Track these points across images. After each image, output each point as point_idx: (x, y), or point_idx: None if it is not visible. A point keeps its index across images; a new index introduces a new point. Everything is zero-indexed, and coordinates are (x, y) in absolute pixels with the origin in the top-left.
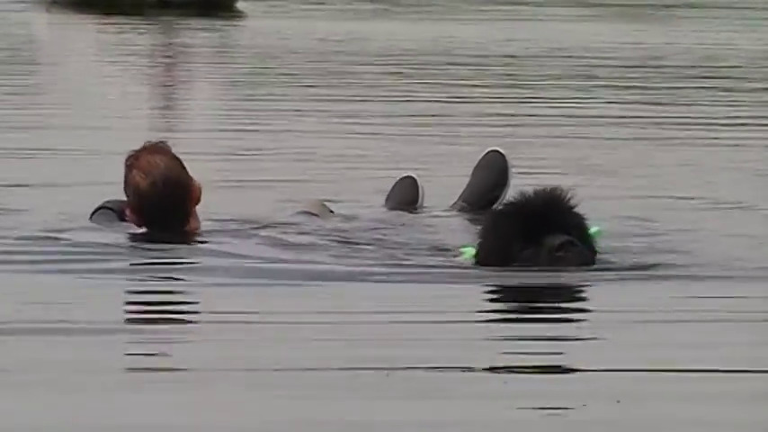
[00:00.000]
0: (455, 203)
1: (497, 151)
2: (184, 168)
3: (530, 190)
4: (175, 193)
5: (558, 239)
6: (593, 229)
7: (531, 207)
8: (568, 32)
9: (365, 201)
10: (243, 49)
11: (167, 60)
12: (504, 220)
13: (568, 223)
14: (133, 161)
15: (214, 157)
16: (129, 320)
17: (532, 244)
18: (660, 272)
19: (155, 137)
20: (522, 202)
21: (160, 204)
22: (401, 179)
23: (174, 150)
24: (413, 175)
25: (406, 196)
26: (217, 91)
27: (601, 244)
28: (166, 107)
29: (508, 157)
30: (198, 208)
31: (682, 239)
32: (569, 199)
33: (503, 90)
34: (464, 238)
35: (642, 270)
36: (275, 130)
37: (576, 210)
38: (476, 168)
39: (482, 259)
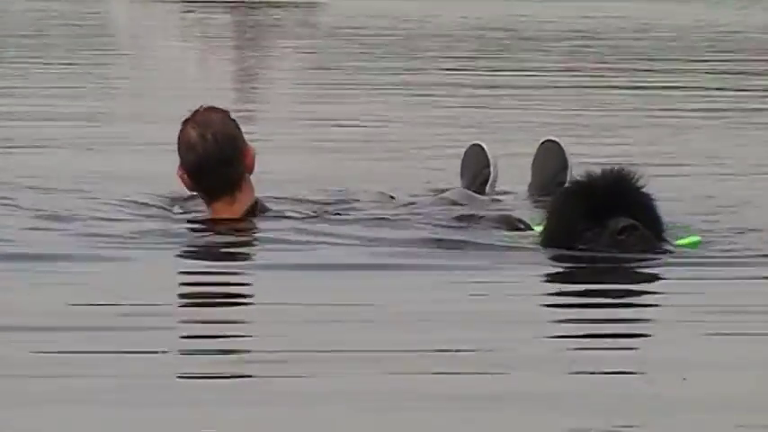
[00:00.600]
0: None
1: (551, 140)
2: (240, 131)
3: (597, 170)
4: (225, 150)
5: (621, 222)
6: (691, 239)
7: (597, 187)
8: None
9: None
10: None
11: (246, 39)
12: (569, 200)
13: (635, 205)
14: (189, 117)
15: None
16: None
17: (596, 225)
18: (735, 257)
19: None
20: (588, 182)
21: (209, 160)
22: (470, 147)
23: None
24: (480, 143)
25: (477, 164)
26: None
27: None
28: (245, 82)
29: (563, 143)
30: (253, 178)
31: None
32: (637, 180)
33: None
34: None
35: (717, 258)
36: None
37: (643, 191)
38: (534, 161)
39: (546, 239)
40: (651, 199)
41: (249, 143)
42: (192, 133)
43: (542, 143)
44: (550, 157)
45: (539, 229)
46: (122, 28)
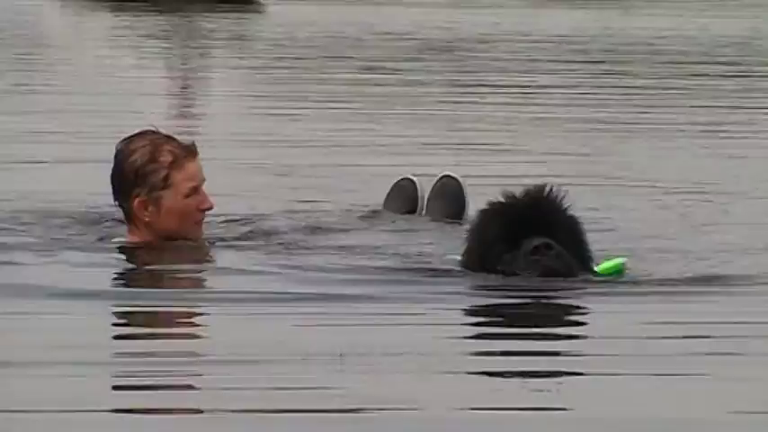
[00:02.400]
0: None
1: (450, 176)
2: (141, 175)
3: (517, 189)
4: (113, 179)
5: (534, 241)
6: (615, 262)
7: (515, 207)
8: None
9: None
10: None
11: (184, 49)
12: (487, 221)
13: (555, 226)
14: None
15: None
16: None
17: (513, 247)
18: (652, 287)
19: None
20: (506, 202)
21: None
22: (399, 182)
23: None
24: (411, 177)
25: (403, 203)
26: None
27: (625, 275)
28: (184, 94)
29: (462, 181)
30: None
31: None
32: (560, 199)
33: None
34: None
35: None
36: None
37: (566, 211)
38: (430, 199)
39: (465, 262)
40: (574, 219)
41: (142, 195)
42: (116, 146)
43: (440, 179)
44: (448, 199)
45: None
46: (55, 36)
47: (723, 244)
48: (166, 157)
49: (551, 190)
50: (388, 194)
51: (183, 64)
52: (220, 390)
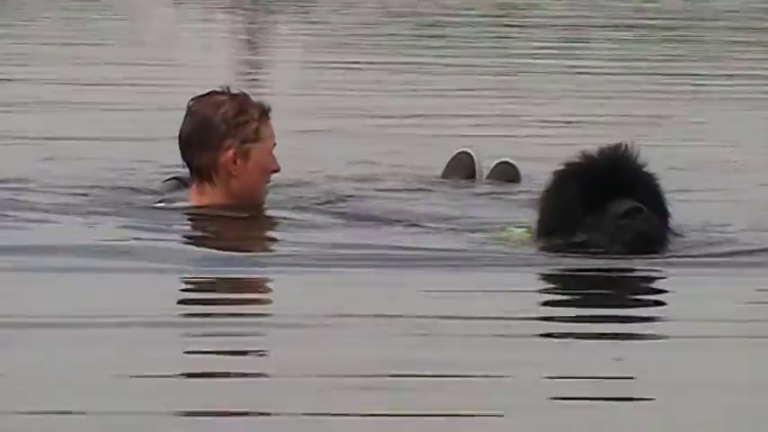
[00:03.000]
0: None
1: (508, 163)
2: (231, 126)
3: (593, 149)
4: (194, 133)
5: (624, 205)
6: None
7: (594, 168)
8: None
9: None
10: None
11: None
12: (565, 184)
13: (637, 184)
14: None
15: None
16: None
17: (596, 210)
18: (743, 258)
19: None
20: (584, 163)
21: (181, 136)
22: (457, 155)
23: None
24: (469, 151)
25: (461, 176)
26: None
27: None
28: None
29: (518, 167)
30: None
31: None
32: (637, 158)
33: None
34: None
35: (722, 257)
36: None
37: (646, 170)
38: (445, 170)
39: (541, 230)
40: (654, 178)
41: (234, 146)
42: (188, 104)
43: (497, 165)
44: (461, 173)
45: (513, 230)
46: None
47: None
48: (254, 111)
49: (628, 148)
50: (447, 167)
51: (250, 23)
52: (287, 355)
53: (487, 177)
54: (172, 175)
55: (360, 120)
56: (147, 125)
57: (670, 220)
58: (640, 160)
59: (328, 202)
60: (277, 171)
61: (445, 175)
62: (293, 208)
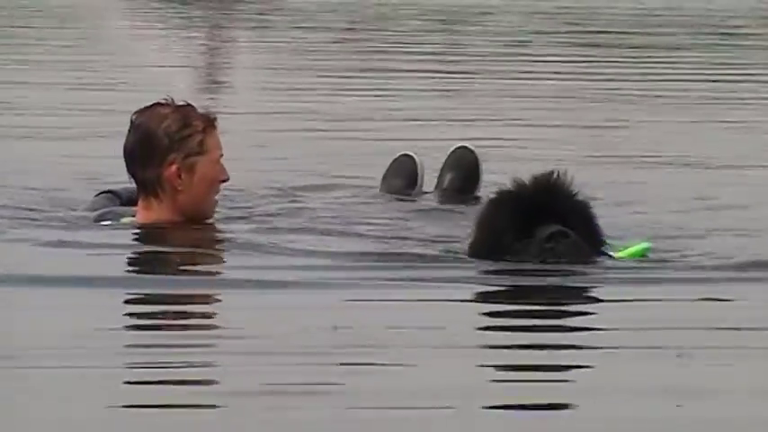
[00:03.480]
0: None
1: (466, 148)
2: (174, 140)
3: (526, 176)
4: (136, 148)
5: (549, 229)
6: (638, 247)
7: (526, 195)
8: None
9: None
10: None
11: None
12: (497, 210)
13: (568, 213)
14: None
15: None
16: None
17: (525, 236)
18: (670, 273)
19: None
20: (516, 190)
21: (125, 151)
22: (398, 158)
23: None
24: (411, 154)
25: (402, 179)
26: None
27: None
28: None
29: (478, 154)
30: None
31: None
32: (568, 186)
33: None
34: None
35: (654, 269)
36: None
37: (578, 198)
38: (443, 168)
39: (473, 251)
40: (587, 206)
41: (177, 161)
42: (132, 117)
43: (455, 150)
44: (462, 171)
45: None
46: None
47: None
48: (198, 123)
49: (559, 175)
50: (387, 170)
51: (209, 37)
52: (236, 381)
53: (445, 163)
54: (104, 189)
55: (309, 124)
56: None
57: (604, 246)
58: (572, 188)
59: (279, 215)
60: (226, 181)
61: (385, 177)
62: (243, 223)
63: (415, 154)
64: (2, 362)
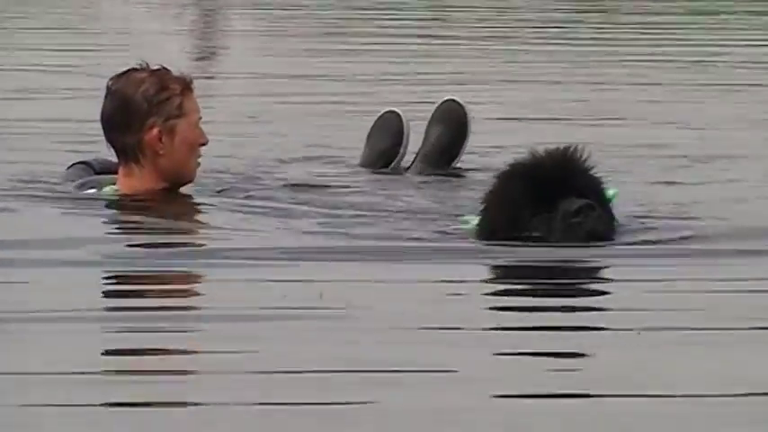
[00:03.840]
0: (413, 163)
1: (455, 101)
2: (153, 103)
3: (540, 150)
4: (115, 113)
5: (575, 203)
6: (608, 192)
7: (543, 169)
8: None
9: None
10: None
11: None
12: (513, 184)
13: (585, 186)
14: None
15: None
16: None
17: (545, 209)
18: (690, 245)
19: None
20: (532, 164)
21: (102, 117)
22: (385, 114)
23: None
24: (396, 110)
25: (388, 138)
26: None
27: (617, 209)
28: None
29: (467, 108)
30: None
31: (715, 203)
32: (585, 159)
33: None
34: (458, 206)
35: (667, 244)
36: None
37: (593, 172)
38: (431, 121)
39: (486, 230)
40: (601, 181)
41: (158, 125)
42: (108, 83)
43: (443, 102)
44: (449, 125)
45: (469, 218)
46: None
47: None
48: (175, 85)
49: (577, 150)
50: (372, 127)
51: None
52: (215, 353)
53: (432, 116)
54: (76, 160)
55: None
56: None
57: (615, 219)
58: (588, 163)
59: (265, 188)
60: (205, 144)
61: (370, 135)
62: (227, 196)
63: (401, 111)
64: None
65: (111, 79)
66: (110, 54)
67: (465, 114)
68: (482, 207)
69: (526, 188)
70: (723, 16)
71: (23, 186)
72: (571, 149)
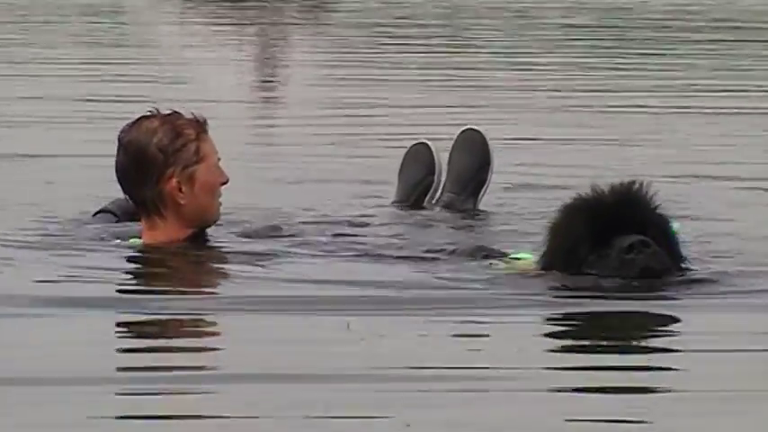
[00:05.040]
0: (441, 195)
1: (473, 129)
2: (170, 153)
3: (604, 184)
4: (131, 166)
5: (629, 239)
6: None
7: (603, 204)
8: None
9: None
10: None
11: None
12: (573, 218)
13: (646, 223)
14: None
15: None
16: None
17: (603, 246)
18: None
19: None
20: (593, 199)
21: (117, 172)
22: (414, 146)
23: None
24: (426, 142)
25: (420, 170)
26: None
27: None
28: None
29: (486, 134)
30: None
31: None
32: (648, 195)
33: None
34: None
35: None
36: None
37: (656, 207)
38: (453, 151)
39: (547, 262)
40: (665, 218)
41: (176, 174)
42: (119, 136)
43: (464, 131)
44: (472, 151)
45: (522, 255)
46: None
47: None
48: (190, 131)
49: (641, 186)
50: (404, 161)
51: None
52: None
53: (453, 145)
54: (100, 208)
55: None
56: None
57: (684, 263)
58: (653, 200)
59: (291, 235)
60: (226, 183)
61: (402, 169)
62: (252, 240)
63: (430, 142)
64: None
65: (123, 131)
66: (165, 85)
67: (485, 140)
68: (546, 238)
69: (585, 224)
70: None
71: (45, 235)
72: (635, 185)
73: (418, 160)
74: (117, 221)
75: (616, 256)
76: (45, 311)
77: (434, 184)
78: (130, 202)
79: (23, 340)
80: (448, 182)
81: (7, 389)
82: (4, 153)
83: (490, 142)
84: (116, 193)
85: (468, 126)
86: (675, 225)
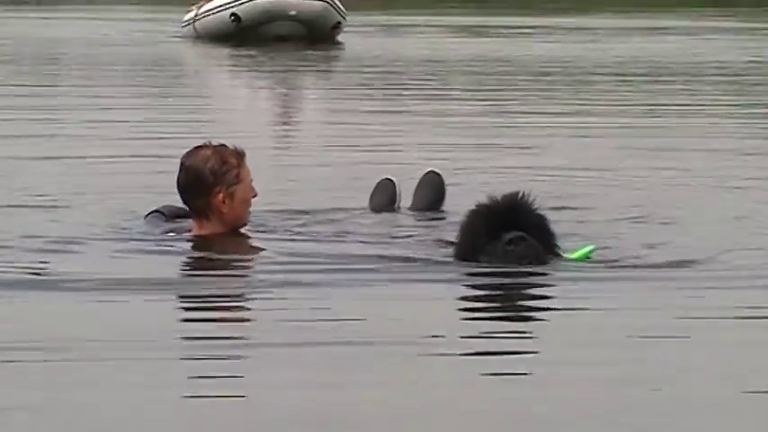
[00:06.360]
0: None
1: (434, 172)
2: (216, 174)
3: (497, 193)
4: (189, 183)
5: (509, 235)
6: (583, 250)
7: (496, 208)
8: None
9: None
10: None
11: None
12: (474, 219)
13: (529, 223)
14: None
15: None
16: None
17: (494, 239)
18: (637, 272)
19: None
20: (489, 204)
21: (178, 186)
22: (381, 181)
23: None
24: (391, 178)
25: (385, 197)
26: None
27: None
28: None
29: (443, 176)
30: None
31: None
32: (530, 201)
33: None
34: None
35: (612, 268)
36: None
37: (537, 211)
38: (417, 187)
39: (457, 252)
40: (543, 217)
41: (222, 191)
42: (181, 159)
43: (426, 174)
44: (431, 189)
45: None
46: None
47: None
48: (233, 159)
49: (524, 194)
50: (374, 190)
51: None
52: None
53: (419, 183)
54: (152, 209)
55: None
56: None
57: (556, 247)
58: (533, 203)
59: (316, 227)
60: (255, 196)
61: (372, 197)
62: (279, 235)
63: (394, 177)
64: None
65: (184, 156)
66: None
67: (442, 182)
68: (456, 235)
69: (483, 222)
70: None
71: (118, 230)
72: (520, 193)
73: (384, 192)
74: (165, 220)
75: (501, 247)
76: (119, 289)
77: (394, 212)
78: (185, 207)
79: (100, 313)
80: (411, 206)
81: (100, 353)
82: (88, 171)
83: (445, 183)
84: (165, 201)
85: (431, 169)
86: (591, 248)
